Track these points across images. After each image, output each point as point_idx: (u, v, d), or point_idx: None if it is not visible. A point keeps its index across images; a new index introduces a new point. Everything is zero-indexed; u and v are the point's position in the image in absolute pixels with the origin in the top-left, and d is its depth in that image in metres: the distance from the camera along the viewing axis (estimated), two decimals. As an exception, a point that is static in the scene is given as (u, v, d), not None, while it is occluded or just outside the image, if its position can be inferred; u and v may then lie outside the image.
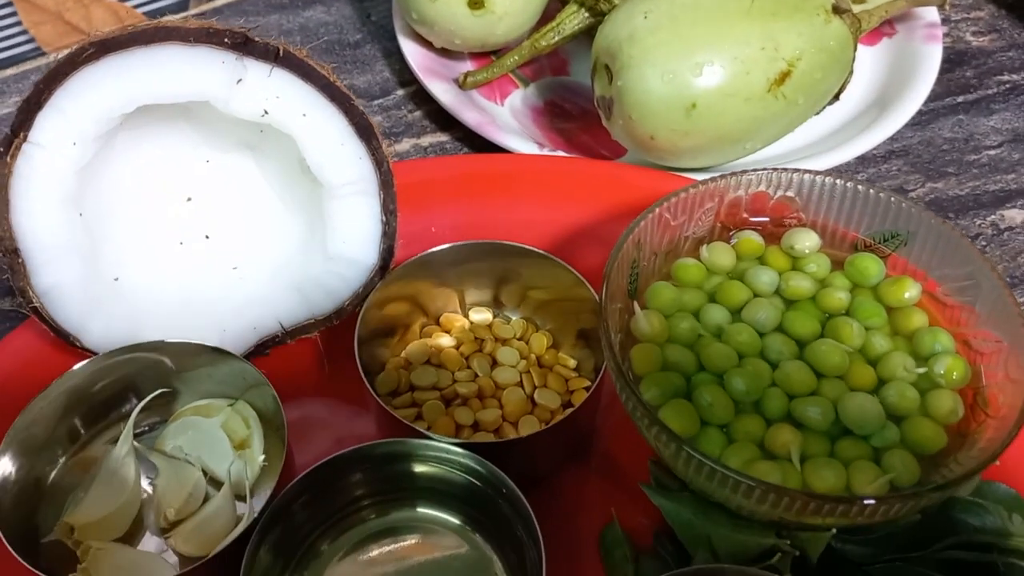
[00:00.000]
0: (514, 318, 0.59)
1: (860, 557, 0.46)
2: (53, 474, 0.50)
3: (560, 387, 0.56)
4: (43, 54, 0.79)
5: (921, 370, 0.49)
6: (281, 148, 0.54)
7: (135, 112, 0.49)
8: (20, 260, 0.48)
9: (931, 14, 0.77)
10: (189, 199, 0.56)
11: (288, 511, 0.46)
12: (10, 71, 0.79)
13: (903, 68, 0.74)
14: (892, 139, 0.73)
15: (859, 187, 0.54)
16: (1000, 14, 0.83)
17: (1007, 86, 0.77)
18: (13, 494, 0.47)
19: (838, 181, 0.54)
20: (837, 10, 0.64)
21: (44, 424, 0.49)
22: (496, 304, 0.60)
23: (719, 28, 0.62)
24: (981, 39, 0.81)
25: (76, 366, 0.50)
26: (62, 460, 0.51)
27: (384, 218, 0.53)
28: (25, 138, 0.46)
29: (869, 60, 0.76)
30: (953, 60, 0.79)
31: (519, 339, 0.58)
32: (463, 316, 0.59)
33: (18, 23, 0.81)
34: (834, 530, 0.45)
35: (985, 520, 0.47)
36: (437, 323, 0.59)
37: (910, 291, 0.52)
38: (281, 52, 0.49)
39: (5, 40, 0.80)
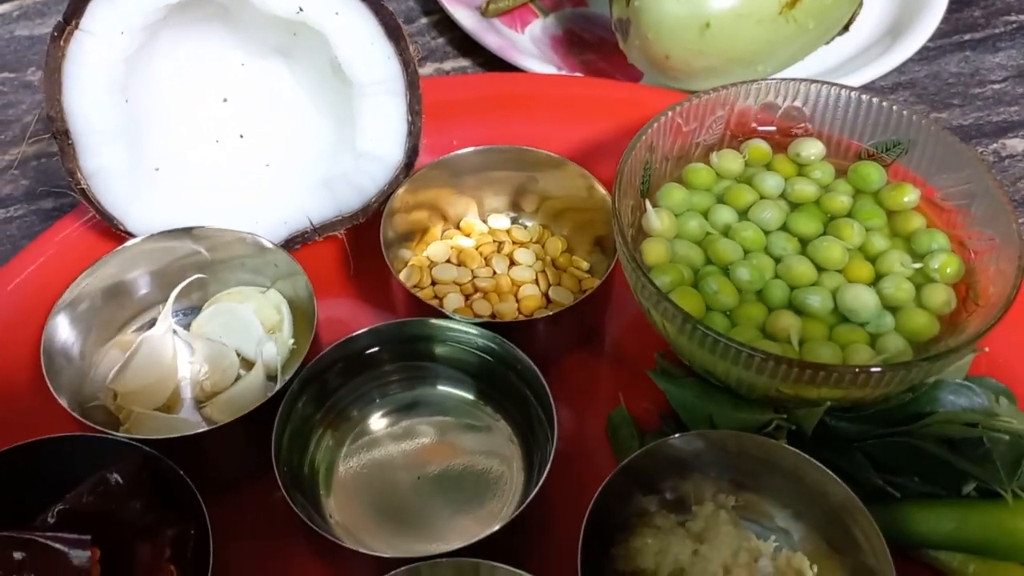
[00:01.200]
0: (530, 224, 0.62)
1: (852, 433, 0.49)
2: (96, 348, 0.53)
3: (574, 287, 0.59)
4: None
5: (917, 265, 0.52)
6: (312, 52, 0.57)
7: (177, 10, 0.52)
8: (70, 142, 0.51)
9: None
10: (225, 100, 0.59)
11: (322, 375, 0.49)
12: (50, -6, 0.82)
13: (912, 5, 0.77)
14: (899, 72, 0.75)
15: (863, 96, 0.56)
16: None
17: (1014, 26, 0.79)
18: (62, 357, 0.50)
19: (843, 91, 0.57)
20: (848, -62, 0.67)
21: (89, 300, 0.53)
22: (514, 210, 0.62)
23: (733, -49, 0.65)
24: (991, -19, 0.83)
25: (119, 247, 0.53)
26: (105, 336, 0.54)
27: (410, 118, 0.56)
28: (77, 25, 0.49)
29: (878, 6, 0.78)
30: (962, 0, 0.81)
31: (535, 243, 0.61)
32: (482, 222, 0.62)
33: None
34: (828, 403, 0.47)
35: (973, 401, 0.49)
36: (457, 228, 0.62)
37: (909, 195, 0.55)
38: (316, -47, 0.51)
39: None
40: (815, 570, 0.47)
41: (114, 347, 0.55)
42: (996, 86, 0.75)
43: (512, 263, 0.59)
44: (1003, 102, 0.74)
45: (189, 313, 0.57)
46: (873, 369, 0.45)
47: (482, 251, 0.60)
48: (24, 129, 0.71)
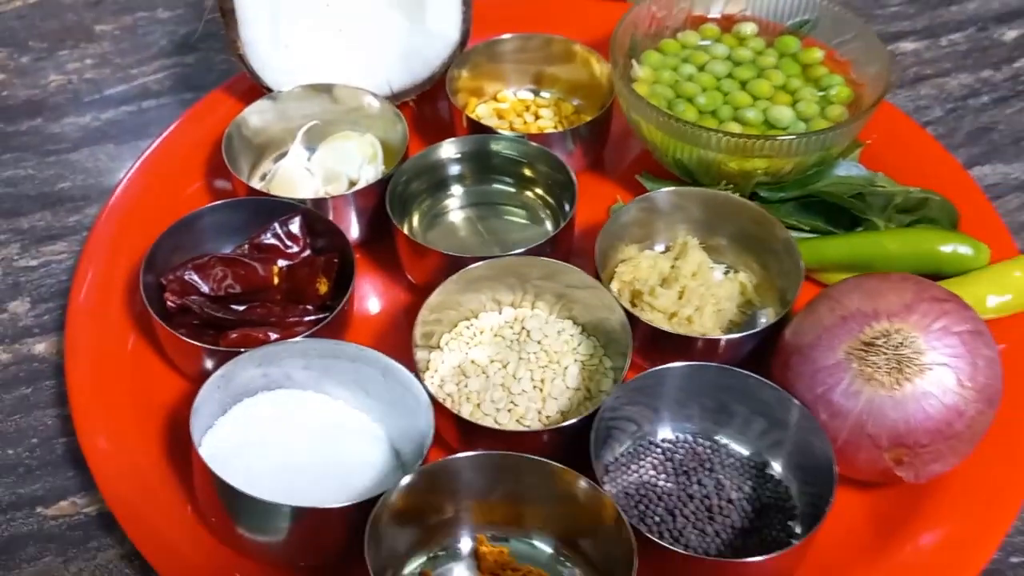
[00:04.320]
0: (548, 95, 0.85)
1: (777, 198, 0.72)
2: (254, 165, 0.76)
3: (582, 132, 0.82)
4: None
5: (821, 93, 0.75)
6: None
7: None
8: (233, 17, 0.74)
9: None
10: (328, 5, 0.82)
11: (417, 166, 0.72)
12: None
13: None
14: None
15: (782, -11, 0.80)
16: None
17: (908, -34, 1.04)
18: (236, 158, 0.73)
19: (769, -15, 0.81)
20: None
21: (248, 130, 0.75)
22: (537, 84, 0.85)
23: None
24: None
25: (265, 96, 0.76)
26: (257, 157, 0.77)
27: (464, 7, 0.79)
28: (242, -66, 0.72)
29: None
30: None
31: (553, 106, 0.84)
32: (514, 97, 0.85)
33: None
34: (760, 172, 0.70)
35: (861, 173, 0.73)
36: (495, 99, 0.85)
37: (816, 54, 0.78)
38: None
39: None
40: (753, 282, 0.69)
41: (258, 173, 0.77)
42: (894, 8, 0.99)
43: (537, 117, 0.82)
44: (899, 18, 0.97)
45: (310, 149, 0.79)
46: (788, 136, 0.68)
47: (515, 109, 0.83)
48: (160, 50, 0.93)
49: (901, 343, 0.55)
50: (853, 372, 0.56)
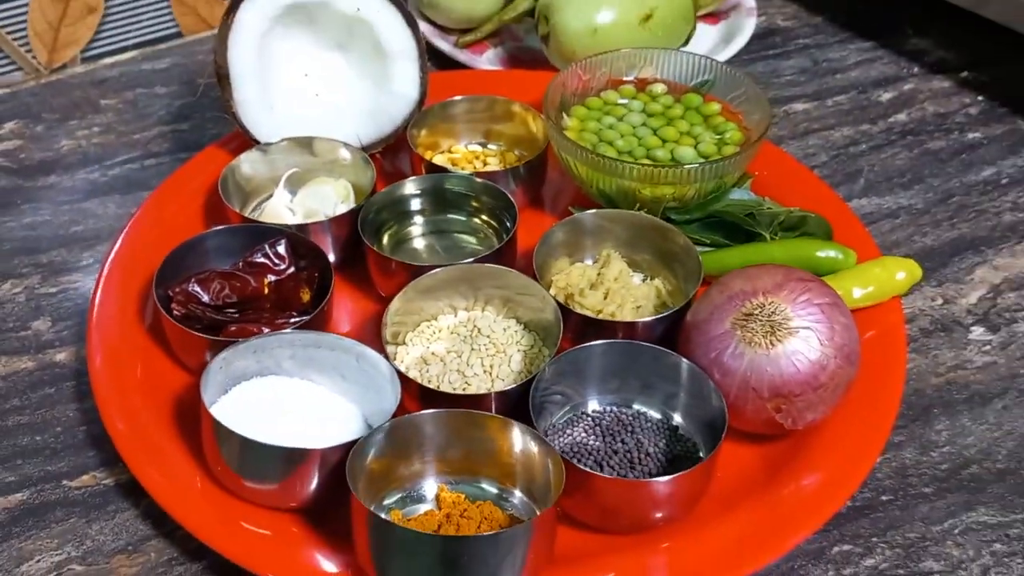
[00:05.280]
0: (495, 147, 1.00)
1: (682, 221, 0.87)
2: (245, 204, 0.89)
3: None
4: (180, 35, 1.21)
5: (719, 137, 0.91)
6: (359, 42, 0.95)
7: (285, 14, 0.90)
8: (228, 81, 0.88)
9: (750, 2, 1.22)
10: (306, 75, 0.97)
11: (386, 199, 0.86)
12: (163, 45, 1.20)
13: (732, 32, 1.18)
14: (726, 71, 1.16)
15: (685, 56, 0.96)
16: (799, 9, 1.28)
17: (800, 45, 1.21)
18: (230, 199, 0.86)
19: (675, 53, 0.97)
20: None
21: (239, 176, 0.89)
22: (485, 138, 1.00)
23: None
24: (787, 21, 1.26)
25: (255, 147, 0.90)
26: (247, 197, 0.90)
27: (422, 73, 0.94)
28: (236, 11, 0.87)
29: (713, 31, 1.20)
30: (767, 32, 1.23)
31: (500, 156, 0.99)
32: (465, 149, 1.00)
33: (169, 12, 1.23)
34: (668, 197, 0.85)
35: (752, 198, 0.87)
36: (449, 151, 1.00)
37: (715, 107, 0.94)
38: (367, -20, 0.91)
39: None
40: (668, 288, 0.83)
41: (253, 212, 0.90)
42: (788, 77, 1.16)
43: (485, 164, 0.97)
44: (793, 84, 1.15)
45: (292, 192, 0.92)
46: (690, 166, 0.83)
47: (466, 158, 0.97)
48: (159, 119, 1.07)
49: (773, 312, 0.69)
50: (737, 338, 0.69)
